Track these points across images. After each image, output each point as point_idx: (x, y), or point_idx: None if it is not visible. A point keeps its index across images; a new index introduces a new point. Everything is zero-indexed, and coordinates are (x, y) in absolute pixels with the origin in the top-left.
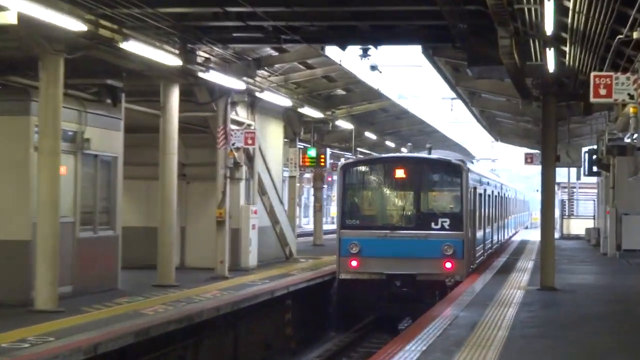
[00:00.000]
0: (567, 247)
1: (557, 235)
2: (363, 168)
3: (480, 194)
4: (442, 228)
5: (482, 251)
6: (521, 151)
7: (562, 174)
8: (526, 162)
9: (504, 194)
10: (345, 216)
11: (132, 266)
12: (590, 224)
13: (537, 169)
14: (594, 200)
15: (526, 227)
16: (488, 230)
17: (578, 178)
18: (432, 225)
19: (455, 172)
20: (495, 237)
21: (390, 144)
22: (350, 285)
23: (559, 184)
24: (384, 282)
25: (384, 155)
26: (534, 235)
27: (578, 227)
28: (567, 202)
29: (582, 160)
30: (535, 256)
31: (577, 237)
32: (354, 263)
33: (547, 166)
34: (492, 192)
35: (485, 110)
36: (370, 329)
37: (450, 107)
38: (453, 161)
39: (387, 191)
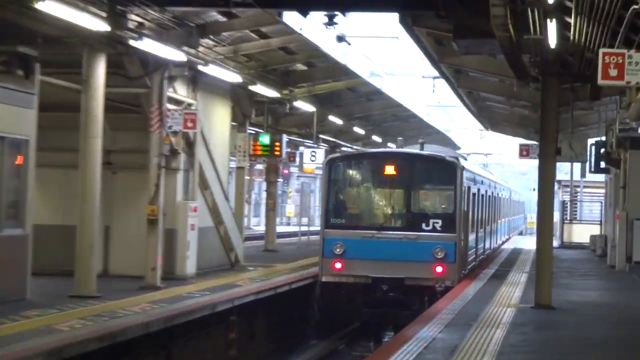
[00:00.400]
0: (567, 258)
1: (556, 243)
2: (350, 163)
3: (474, 194)
4: (434, 229)
5: (474, 256)
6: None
7: (563, 171)
8: (521, 155)
9: (497, 194)
10: (329, 214)
11: (44, 272)
12: (596, 230)
13: (534, 164)
14: (601, 203)
15: (520, 233)
16: (481, 233)
17: (582, 175)
18: (423, 226)
19: (450, 169)
20: (487, 242)
21: (358, 130)
22: (333, 289)
23: (559, 182)
24: (370, 286)
25: (373, 150)
26: (529, 243)
27: (581, 233)
28: (569, 203)
29: (588, 154)
30: (529, 268)
31: (580, 246)
32: (337, 265)
33: (545, 160)
34: (486, 191)
35: (473, 93)
36: (355, 336)
37: (432, 88)
38: (447, 158)
39: (375, 188)
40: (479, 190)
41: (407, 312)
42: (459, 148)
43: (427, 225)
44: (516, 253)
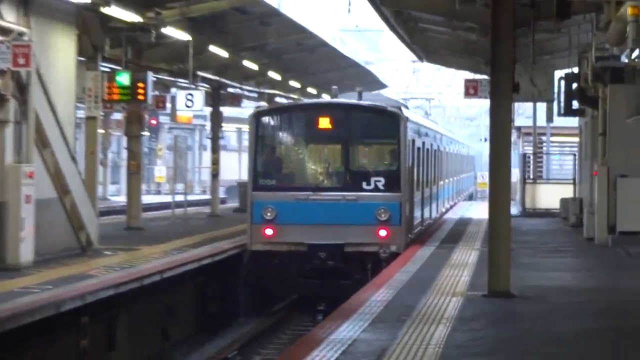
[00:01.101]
0: (531, 229)
1: (515, 210)
2: (279, 116)
3: (419, 148)
4: (376, 189)
5: (420, 219)
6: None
7: (524, 114)
8: (467, 94)
9: (443, 148)
10: (258, 175)
11: None
12: (567, 192)
13: (484, 106)
14: (574, 155)
15: (470, 197)
16: (427, 194)
17: (549, 120)
18: (364, 185)
19: (392, 121)
20: (434, 206)
21: (250, 64)
22: (264, 259)
23: (518, 129)
24: (306, 255)
25: (306, 101)
26: (480, 211)
27: (549, 197)
28: (531, 158)
29: (555, 91)
30: (480, 243)
31: (547, 214)
32: (268, 231)
33: (498, 100)
34: (431, 145)
35: (403, 13)
36: (291, 311)
37: (347, 8)
38: (389, 108)
39: (309, 145)
40: (423, 144)
41: (348, 282)
42: (385, 86)
43: (368, 184)
44: (463, 224)
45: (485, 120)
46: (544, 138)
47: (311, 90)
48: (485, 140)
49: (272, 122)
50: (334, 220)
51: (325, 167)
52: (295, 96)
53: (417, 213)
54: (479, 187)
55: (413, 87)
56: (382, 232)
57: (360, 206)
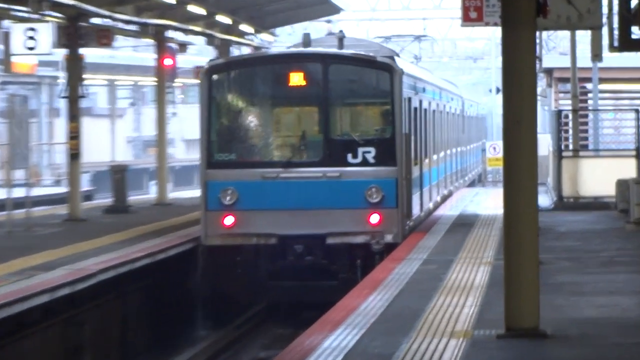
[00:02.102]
0: (572, 230)
1: (547, 200)
2: (239, 72)
3: (416, 109)
4: (365, 162)
5: (419, 202)
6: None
7: (558, 49)
8: (467, 18)
9: (443, 107)
10: (213, 148)
11: None
12: (628, 169)
13: (494, 38)
14: (637, 112)
15: (478, 180)
16: (430, 169)
17: (597, 58)
18: (349, 158)
19: (384, 75)
20: (434, 189)
21: None
22: (223, 256)
23: (549, 72)
24: (277, 249)
25: (272, 52)
26: (491, 202)
27: (600, 178)
28: (570, 117)
29: (605, 11)
30: (493, 255)
31: (596, 204)
32: (228, 220)
33: (515, 28)
34: (429, 104)
35: None
36: (260, 322)
37: None
38: (379, 59)
39: (278, 108)
40: (420, 102)
41: (333, 283)
42: (338, 10)
43: (355, 156)
44: (465, 224)
45: (497, 61)
46: (589, 86)
47: (245, 27)
48: (498, 91)
49: (230, 80)
50: (312, 205)
51: (299, 136)
52: (197, 28)
53: (417, 192)
54: (489, 166)
55: (382, 8)
56: (374, 218)
57: (345, 185)
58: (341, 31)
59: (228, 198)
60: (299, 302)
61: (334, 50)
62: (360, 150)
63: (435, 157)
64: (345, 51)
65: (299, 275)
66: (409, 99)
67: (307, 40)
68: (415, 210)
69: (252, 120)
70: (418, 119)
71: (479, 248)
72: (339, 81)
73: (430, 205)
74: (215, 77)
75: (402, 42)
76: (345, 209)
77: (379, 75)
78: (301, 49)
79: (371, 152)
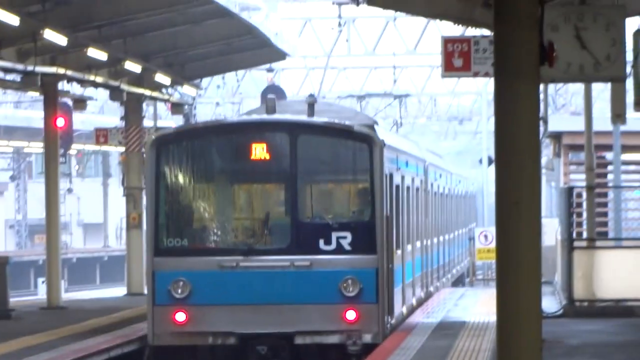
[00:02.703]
0: (588, 342)
1: (554, 304)
2: (192, 143)
3: (398, 186)
4: (340, 249)
5: (401, 298)
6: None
7: (569, 108)
8: (448, 67)
9: (430, 183)
10: (161, 233)
11: None
12: None
13: (485, 94)
14: None
15: (466, 279)
16: (414, 259)
17: (619, 120)
18: (322, 244)
19: (361, 146)
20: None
21: (56, 38)
22: (173, 358)
23: (557, 137)
24: (237, 351)
25: (230, 120)
26: (481, 307)
27: (625, 275)
28: (585, 196)
29: (631, 58)
30: None
31: (620, 310)
32: (180, 317)
33: (511, 81)
34: (413, 179)
35: None
36: None
37: None
38: (357, 128)
39: (237, 185)
40: (403, 179)
41: None
42: (284, 56)
43: (328, 242)
44: (447, 335)
45: (489, 123)
46: (609, 156)
47: (161, 77)
48: (490, 162)
49: (180, 153)
50: (277, 299)
51: (262, 218)
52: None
53: (399, 288)
54: (478, 259)
55: (339, 53)
56: (351, 314)
57: (316, 276)
58: (312, 95)
59: (179, 291)
60: None
61: (304, 117)
62: (335, 235)
63: (418, 244)
64: (317, 119)
65: None
66: (391, 176)
67: (271, 105)
68: (397, 307)
69: (207, 199)
70: (400, 199)
71: None
72: (309, 154)
73: (414, 301)
74: (163, 148)
75: (377, 101)
76: (317, 304)
77: (357, 147)
78: (264, 116)
79: (347, 238)
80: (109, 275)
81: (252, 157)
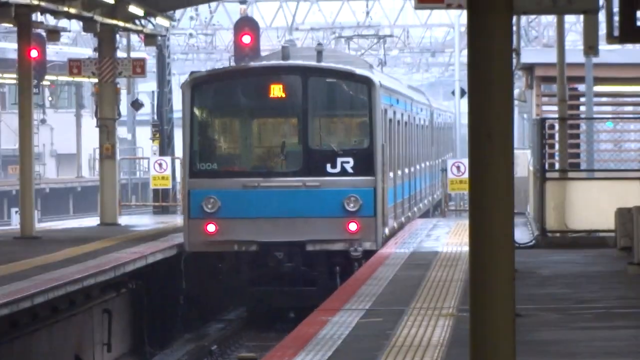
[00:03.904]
0: (559, 273)
1: (526, 235)
2: (221, 84)
3: (391, 120)
4: (343, 172)
5: (402, 208)
6: None
7: (542, 40)
8: (421, 1)
9: (415, 118)
10: (195, 158)
11: None
12: (631, 195)
13: (457, 25)
14: None
15: (435, 208)
16: (403, 183)
17: (591, 52)
18: (328, 168)
19: (362, 87)
20: (407, 202)
21: None
22: (205, 262)
23: (530, 69)
24: (258, 256)
25: (252, 65)
26: (453, 237)
27: (594, 206)
28: (557, 128)
29: None
30: (456, 304)
31: (589, 240)
32: (210, 228)
33: (484, 13)
34: (402, 115)
35: None
36: (241, 326)
37: None
38: (358, 72)
39: (258, 119)
40: (394, 114)
41: (312, 289)
42: None
43: (334, 166)
44: (419, 265)
45: (462, 55)
46: (581, 88)
47: (134, 8)
48: (463, 94)
49: (211, 92)
50: (291, 213)
51: (279, 146)
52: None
53: (394, 203)
54: (450, 190)
55: None
56: (353, 226)
57: (324, 194)
58: (320, 44)
59: (210, 206)
60: (279, 307)
61: (313, 63)
62: (339, 160)
63: (406, 171)
64: (324, 64)
65: (280, 281)
66: (385, 111)
67: (286, 53)
68: (390, 221)
69: (233, 131)
70: (392, 131)
71: (438, 296)
72: (318, 93)
73: (403, 219)
74: (197, 88)
75: (361, 41)
76: (324, 217)
77: (358, 87)
78: (281, 62)
79: (350, 162)
80: (83, 205)
81: (271, 95)
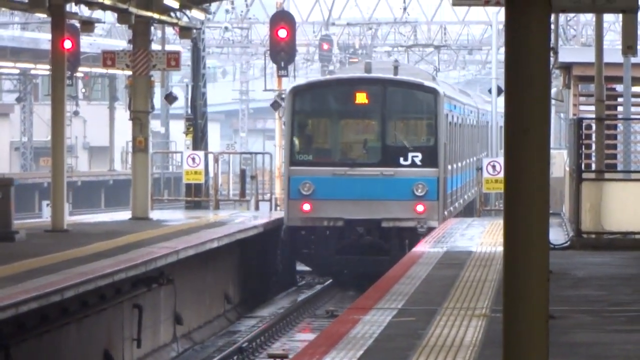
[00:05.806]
0: (594, 274)
1: (561, 236)
2: (316, 91)
3: (450, 123)
4: (413, 164)
5: (455, 196)
6: None
7: (579, 38)
8: None
9: (464, 118)
10: (295, 150)
11: None
12: None
13: (494, 29)
14: None
15: (470, 207)
16: (458, 174)
17: (630, 52)
18: (401, 160)
19: (429, 96)
20: (461, 189)
21: None
22: (301, 234)
23: (567, 69)
24: (343, 230)
25: (342, 76)
26: (487, 238)
27: (631, 208)
28: (594, 128)
29: None
30: (489, 305)
31: (627, 242)
32: (306, 207)
33: (522, 10)
34: (458, 118)
35: None
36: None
37: None
38: (426, 84)
39: (346, 120)
40: (453, 117)
41: (385, 258)
42: None
43: (406, 159)
44: (452, 265)
45: (499, 53)
46: (619, 88)
47: (169, 0)
48: (499, 92)
49: (309, 98)
50: (371, 196)
51: (362, 142)
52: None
53: (453, 189)
54: (485, 189)
55: None
56: (420, 208)
57: (397, 181)
58: (396, 60)
59: (306, 189)
60: (359, 273)
61: (391, 76)
62: (410, 154)
63: (459, 164)
64: (400, 77)
65: (360, 250)
66: (446, 115)
67: (368, 67)
68: (448, 205)
69: (325, 129)
70: (451, 131)
71: (471, 296)
72: (394, 100)
73: (456, 205)
74: (298, 94)
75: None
76: (397, 200)
77: (426, 96)
78: (365, 74)
79: (418, 156)
80: (114, 199)
81: (356, 101)
